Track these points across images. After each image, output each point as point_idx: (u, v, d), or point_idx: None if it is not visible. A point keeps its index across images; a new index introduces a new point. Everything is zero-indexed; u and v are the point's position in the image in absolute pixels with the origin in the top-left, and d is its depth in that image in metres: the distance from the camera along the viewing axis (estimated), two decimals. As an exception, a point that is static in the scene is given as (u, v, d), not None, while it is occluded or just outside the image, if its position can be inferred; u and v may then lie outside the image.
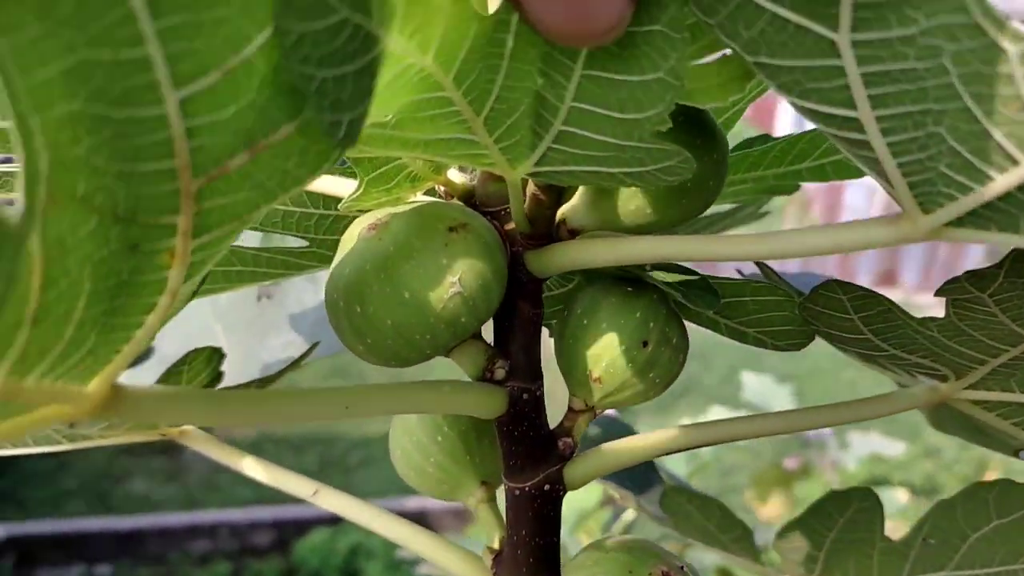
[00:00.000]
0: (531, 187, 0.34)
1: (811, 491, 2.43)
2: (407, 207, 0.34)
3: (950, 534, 0.45)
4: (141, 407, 0.26)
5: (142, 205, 0.20)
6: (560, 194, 0.34)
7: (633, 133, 0.26)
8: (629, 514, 1.42)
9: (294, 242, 0.44)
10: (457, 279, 0.31)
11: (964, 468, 3.48)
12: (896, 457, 3.14)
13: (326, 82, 0.20)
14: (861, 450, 2.86)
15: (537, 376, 0.37)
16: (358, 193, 0.35)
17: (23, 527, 3.64)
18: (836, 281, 0.36)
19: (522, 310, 0.37)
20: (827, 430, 2.83)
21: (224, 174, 0.21)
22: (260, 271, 0.45)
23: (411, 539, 0.42)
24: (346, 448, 4.39)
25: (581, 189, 0.35)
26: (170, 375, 0.45)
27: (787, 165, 0.44)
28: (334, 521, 3.58)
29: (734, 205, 0.55)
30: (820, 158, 0.42)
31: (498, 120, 0.27)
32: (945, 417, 0.47)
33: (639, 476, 0.60)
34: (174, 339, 0.65)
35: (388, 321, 0.32)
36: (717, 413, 2.07)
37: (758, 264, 0.42)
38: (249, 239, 0.55)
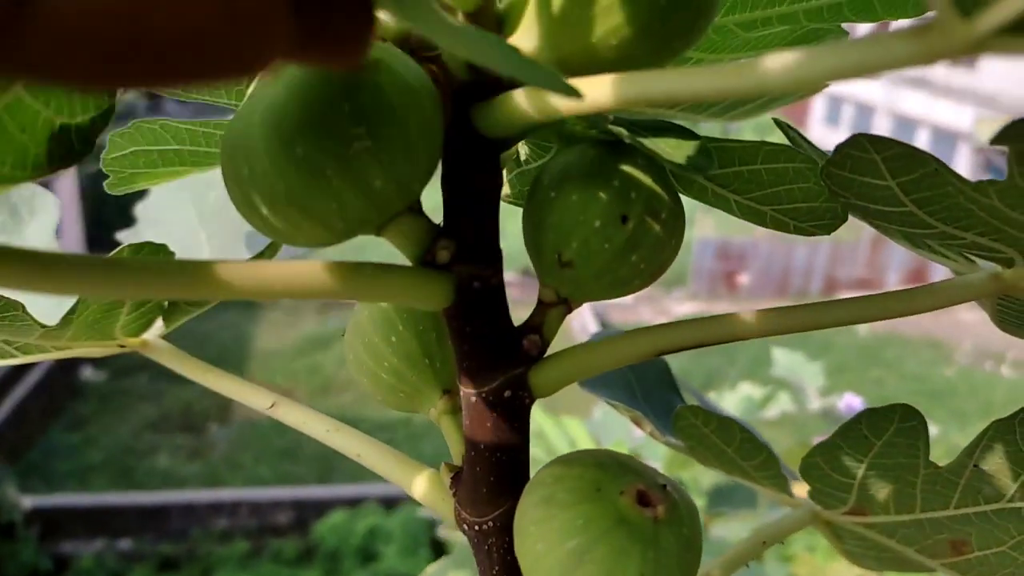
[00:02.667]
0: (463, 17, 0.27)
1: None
2: (317, 49, 0.27)
3: (1008, 459, 0.38)
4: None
5: None
6: (501, 26, 0.27)
7: None
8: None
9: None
10: (363, 131, 0.25)
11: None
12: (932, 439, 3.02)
13: None
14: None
15: (493, 260, 0.31)
16: (261, 34, 0.28)
17: (48, 500, 3.78)
18: (865, 135, 0.29)
19: (472, 179, 0.30)
20: (859, 408, 2.75)
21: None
22: (200, 151, 0.39)
23: (368, 453, 0.37)
24: (368, 430, 4.40)
25: (532, 20, 0.27)
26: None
27: (821, -1, 0.35)
28: (352, 503, 3.65)
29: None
30: (861, -12, 0.33)
31: None
32: (1011, 312, 0.39)
33: (658, 401, 0.53)
34: (157, 246, 0.60)
35: (280, 186, 0.25)
36: (747, 390, 2.00)
37: (776, 121, 0.34)
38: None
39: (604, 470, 0.29)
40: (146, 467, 4.20)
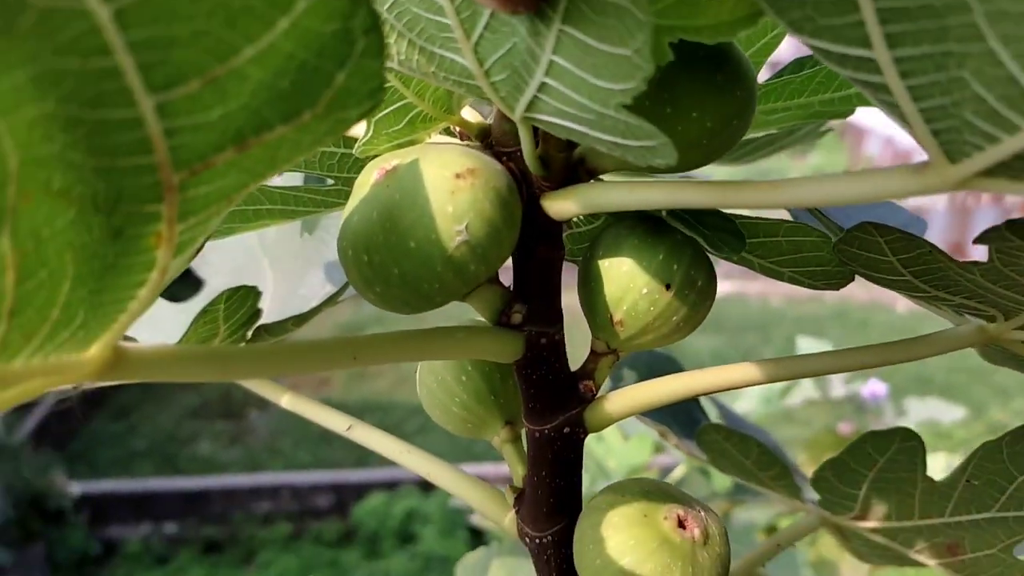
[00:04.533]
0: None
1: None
2: (418, 151, 0.33)
3: (996, 475, 0.43)
4: (144, 367, 0.26)
5: (124, 196, 0.21)
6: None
7: (609, 101, 0.25)
8: (679, 471, 1.41)
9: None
10: (464, 227, 0.31)
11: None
12: (954, 422, 3.03)
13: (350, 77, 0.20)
14: (918, 415, 2.79)
15: (556, 320, 0.37)
16: (368, 136, 0.34)
17: (96, 486, 3.82)
18: (871, 223, 0.34)
19: (540, 253, 0.36)
20: (883, 395, 2.78)
21: (209, 167, 0.21)
22: (289, 209, 0.45)
23: (439, 474, 0.43)
24: (403, 415, 4.46)
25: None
26: (206, 314, 0.46)
27: (834, 91, 0.41)
28: (390, 486, 3.72)
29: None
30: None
31: (487, 49, 0.26)
32: (996, 353, 0.45)
33: (682, 414, 0.59)
34: (223, 273, 0.66)
35: (395, 271, 0.31)
36: None
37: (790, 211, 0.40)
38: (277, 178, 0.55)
39: (650, 498, 0.35)
40: (188, 453, 4.26)
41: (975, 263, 0.34)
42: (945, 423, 2.98)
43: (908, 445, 0.44)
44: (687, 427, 0.60)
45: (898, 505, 0.47)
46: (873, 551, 0.52)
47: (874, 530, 0.49)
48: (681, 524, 0.34)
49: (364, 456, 4.15)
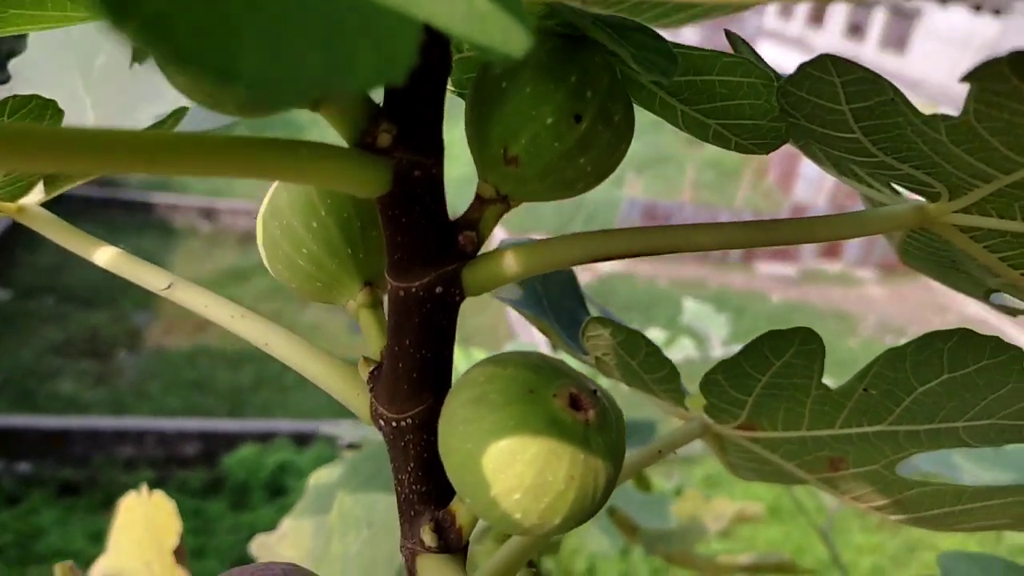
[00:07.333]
0: None
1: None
2: None
3: (895, 385, 0.39)
4: None
5: None
6: None
7: None
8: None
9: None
10: None
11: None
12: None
13: None
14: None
15: (435, 149, 0.29)
16: None
17: None
18: (831, 56, 0.28)
19: (418, 59, 0.28)
20: None
21: None
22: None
23: (276, 343, 0.35)
24: (283, 366, 4.25)
25: None
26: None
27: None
28: (264, 438, 3.58)
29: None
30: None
31: None
32: (918, 248, 0.41)
33: (566, 314, 0.53)
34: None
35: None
36: (655, 335, 2.05)
37: (729, 35, 0.33)
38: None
39: (537, 372, 0.28)
40: (48, 390, 3.96)
41: (944, 116, 0.28)
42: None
43: (808, 348, 0.39)
44: (569, 327, 0.54)
45: (786, 414, 0.42)
46: (750, 463, 0.48)
47: (756, 440, 0.45)
48: (574, 403, 0.28)
49: (237, 407, 4.00)
